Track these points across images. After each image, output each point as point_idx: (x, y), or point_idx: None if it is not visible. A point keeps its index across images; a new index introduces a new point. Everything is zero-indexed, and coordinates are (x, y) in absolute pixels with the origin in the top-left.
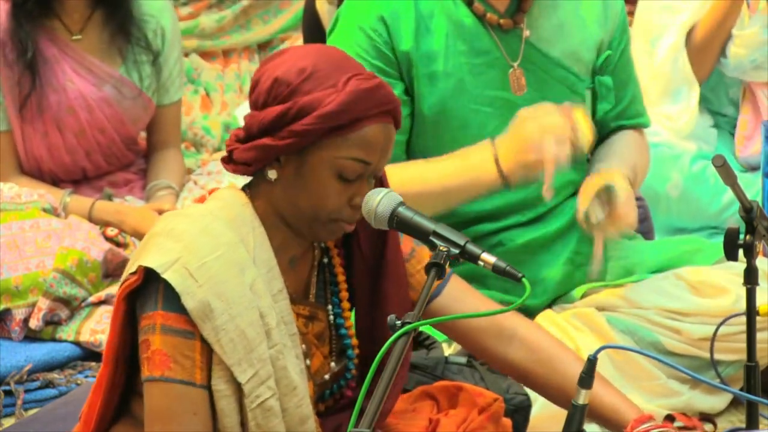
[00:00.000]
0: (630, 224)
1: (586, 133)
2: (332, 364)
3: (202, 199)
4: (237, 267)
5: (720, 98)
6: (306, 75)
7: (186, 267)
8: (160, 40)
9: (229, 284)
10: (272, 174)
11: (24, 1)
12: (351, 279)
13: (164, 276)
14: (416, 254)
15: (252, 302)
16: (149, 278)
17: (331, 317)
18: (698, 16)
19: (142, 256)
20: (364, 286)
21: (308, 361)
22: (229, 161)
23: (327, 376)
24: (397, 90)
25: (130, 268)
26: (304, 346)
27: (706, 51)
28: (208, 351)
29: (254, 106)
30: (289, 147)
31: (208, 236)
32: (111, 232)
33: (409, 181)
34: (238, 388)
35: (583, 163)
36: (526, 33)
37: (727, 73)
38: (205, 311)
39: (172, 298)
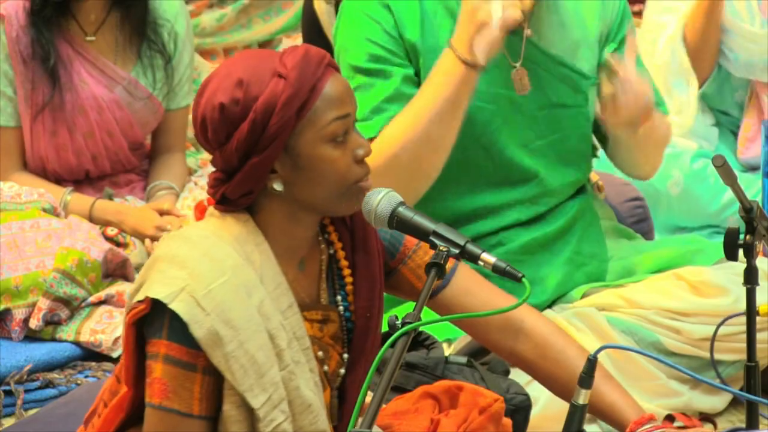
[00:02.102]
0: (644, 90)
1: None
2: (345, 356)
3: (199, 207)
4: (244, 290)
5: (725, 99)
6: (245, 84)
7: (192, 296)
8: (173, 45)
9: (237, 310)
10: (277, 186)
11: (42, 7)
12: (349, 261)
13: (171, 306)
14: (423, 245)
15: (260, 325)
16: (156, 307)
17: (341, 309)
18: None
19: (147, 284)
20: (350, 262)
21: (326, 367)
22: (223, 202)
23: (342, 371)
24: (410, 70)
25: (137, 294)
26: (321, 352)
27: (701, 47)
28: (209, 383)
29: (217, 142)
30: (276, 151)
31: (212, 261)
32: (111, 231)
33: (402, 129)
34: (249, 414)
35: (586, 161)
36: (528, 32)
37: (736, 73)
38: (214, 339)
39: (177, 328)
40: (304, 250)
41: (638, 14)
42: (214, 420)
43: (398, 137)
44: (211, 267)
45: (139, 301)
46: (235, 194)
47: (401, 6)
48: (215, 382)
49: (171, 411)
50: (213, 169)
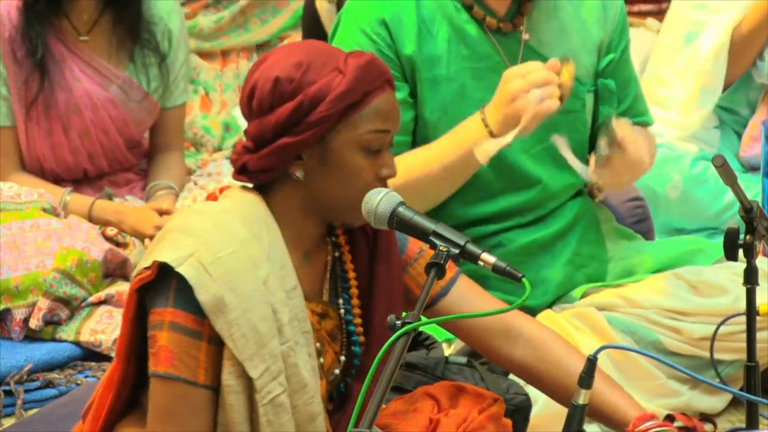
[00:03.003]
0: (641, 156)
1: (568, 88)
2: (342, 358)
3: (212, 197)
4: (251, 262)
5: (738, 98)
6: (305, 67)
7: (200, 261)
8: (167, 43)
9: (243, 279)
10: (299, 173)
11: (35, 1)
12: (359, 271)
13: (179, 270)
14: (425, 254)
15: (265, 297)
16: (163, 273)
17: (342, 312)
18: (740, 16)
19: (156, 251)
20: (364, 270)
21: (321, 359)
22: (243, 172)
23: (337, 371)
24: (402, 93)
25: (144, 262)
26: (318, 344)
27: (746, 50)
28: (214, 352)
29: (259, 112)
30: (310, 139)
31: (222, 232)
32: (111, 231)
33: (412, 168)
34: (248, 384)
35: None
36: (525, 36)
37: (758, 79)
38: (219, 305)
39: (183, 295)
40: (309, 245)
41: (639, 14)
42: (217, 392)
43: (402, 176)
44: (221, 238)
45: (146, 268)
46: (256, 166)
47: (398, 19)
48: (219, 351)
49: (177, 379)
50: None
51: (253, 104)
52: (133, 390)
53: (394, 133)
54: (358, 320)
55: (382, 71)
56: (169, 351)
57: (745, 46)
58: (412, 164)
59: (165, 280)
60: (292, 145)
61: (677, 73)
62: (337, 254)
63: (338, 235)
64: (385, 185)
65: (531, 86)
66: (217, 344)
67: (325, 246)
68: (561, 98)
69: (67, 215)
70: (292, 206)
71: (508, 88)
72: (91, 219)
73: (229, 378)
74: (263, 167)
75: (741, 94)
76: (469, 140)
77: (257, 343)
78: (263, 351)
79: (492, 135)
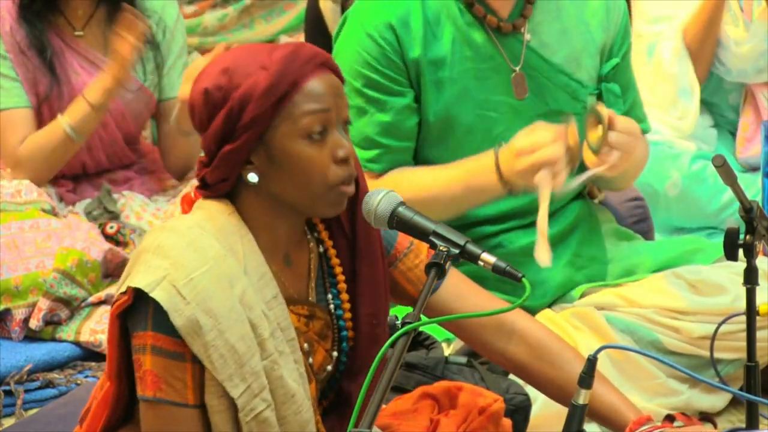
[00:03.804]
0: (630, 128)
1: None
2: (334, 354)
3: (186, 199)
4: (225, 280)
5: (720, 103)
6: (230, 72)
7: (173, 284)
8: (161, 34)
9: (218, 299)
10: (252, 177)
11: (31, 1)
12: (344, 265)
13: (152, 295)
14: (414, 248)
15: (242, 315)
16: (139, 297)
17: (332, 307)
18: (689, 16)
19: (131, 275)
20: (348, 265)
21: (311, 359)
22: (204, 187)
23: (329, 367)
24: (408, 98)
25: (121, 286)
26: (306, 345)
27: (699, 52)
28: (200, 371)
29: (200, 126)
30: (250, 141)
31: (195, 251)
32: (110, 230)
33: (416, 189)
34: (231, 403)
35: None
36: (527, 37)
37: (729, 79)
38: (194, 328)
39: (161, 319)
40: (288, 247)
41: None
42: None
43: (404, 192)
44: (194, 257)
45: (123, 293)
46: (212, 179)
47: (405, 22)
48: (204, 370)
49: (166, 402)
50: None
51: (195, 121)
52: (127, 404)
53: (340, 114)
54: (348, 314)
55: (312, 55)
56: (155, 375)
57: (695, 51)
58: (417, 186)
59: (142, 305)
60: (235, 152)
61: (648, 85)
62: (321, 250)
63: (320, 231)
64: (346, 167)
65: (541, 165)
66: (201, 363)
67: (306, 244)
68: (572, 159)
69: (81, 133)
70: (261, 211)
71: (516, 146)
72: (94, 108)
73: (211, 398)
74: (218, 178)
75: (720, 97)
76: (478, 178)
77: (236, 362)
78: (243, 370)
79: (501, 179)
